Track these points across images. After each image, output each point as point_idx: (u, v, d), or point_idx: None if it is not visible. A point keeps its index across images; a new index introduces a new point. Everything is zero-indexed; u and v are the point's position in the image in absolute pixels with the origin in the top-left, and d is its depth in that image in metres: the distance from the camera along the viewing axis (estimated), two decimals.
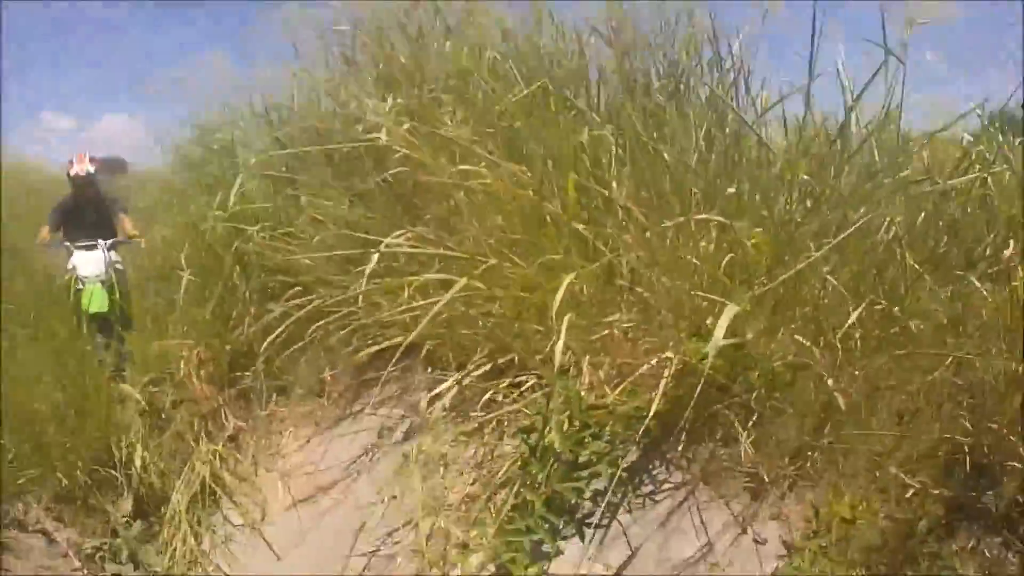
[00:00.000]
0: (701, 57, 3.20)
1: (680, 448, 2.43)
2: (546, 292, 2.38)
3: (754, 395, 2.36)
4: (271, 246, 3.47)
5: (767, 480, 2.34)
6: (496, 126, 3.01)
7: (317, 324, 3.02)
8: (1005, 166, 2.70)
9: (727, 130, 2.95)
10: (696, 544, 2.28)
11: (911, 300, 2.45)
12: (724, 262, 2.40)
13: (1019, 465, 2.19)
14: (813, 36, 2.41)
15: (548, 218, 2.60)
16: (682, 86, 3.18)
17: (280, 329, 2.92)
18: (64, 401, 3.44)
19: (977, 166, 2.67)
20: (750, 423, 2.36)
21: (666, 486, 2.41)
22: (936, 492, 2.23)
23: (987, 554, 2.25)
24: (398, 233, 2.56)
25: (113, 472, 3.36)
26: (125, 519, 3.28)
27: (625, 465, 2.37)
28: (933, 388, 2.34)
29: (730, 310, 2.03)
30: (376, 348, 2.96)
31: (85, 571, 3.11)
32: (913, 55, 2.52)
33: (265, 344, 2.96)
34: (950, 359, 2.34)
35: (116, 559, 3.15)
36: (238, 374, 3.73)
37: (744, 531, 2.30)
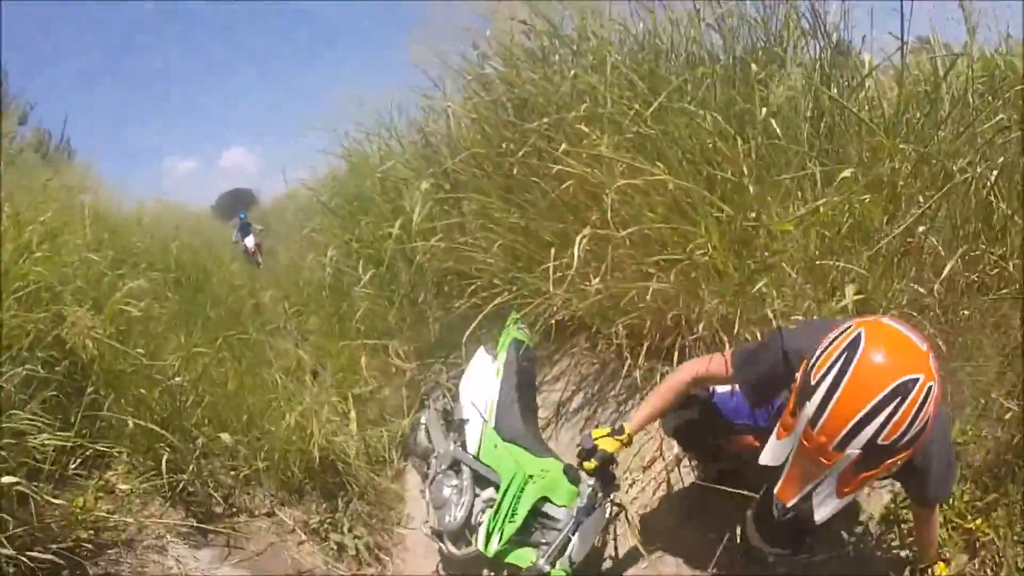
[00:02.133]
0: (802, 28, 3.75)
1: None
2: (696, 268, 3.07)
3: None
4: (447, 253, 4.26)
5: None
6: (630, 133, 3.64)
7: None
8: None
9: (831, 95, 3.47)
10: None
11: (1009, 243, 2.95)
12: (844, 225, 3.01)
13: None
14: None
15: (688, 206, 3.27)
16: (785, 60, 3.71)
17: (477, 321, 3.68)
18: (277, 403, 4.03)
19: None
20: None
21: None
22: None
23: None
24: (586, 231, 3.28)
25: (327, 459, 3.90)
26: (346, 498, 3.90)
27: None
28: None
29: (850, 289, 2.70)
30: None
31: (310, 542, 3.66)
32: None
33: (467, 333, 3.69)
34: None
35: (338, 530, 3.73)
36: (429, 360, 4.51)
37: None
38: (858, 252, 2.99)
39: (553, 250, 3.43)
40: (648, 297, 3.21)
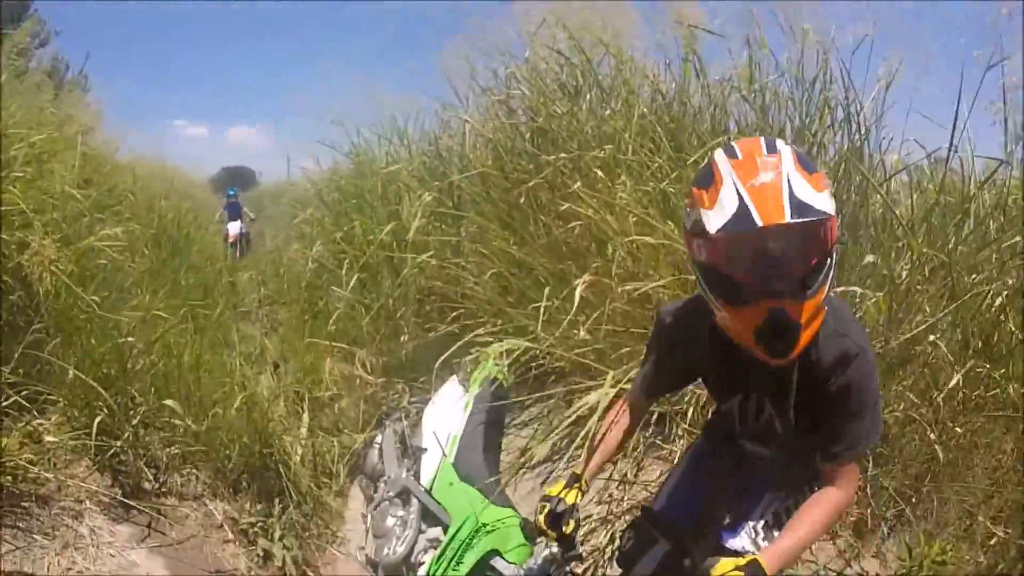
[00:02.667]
0: (834, 118, 3.72)
1: None
2: None
3: None
4: (436, 272, 4.16)
5: (870, 522, 2.83)
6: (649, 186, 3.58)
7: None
8: None
9: (854, 188, 3.49)
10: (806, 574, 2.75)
11: (1012, 366, 2.89)
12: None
13: None
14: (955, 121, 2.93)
15: None
16: (814, 147, 3.70)
17: (453, 349, 3.49)
18: (231, 388, 3.88)
19: None
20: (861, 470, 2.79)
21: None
22: (1019, 543, 2.63)
23: None
24: (586, 277, 3.15)
25: (271, 457, 3.76)
26: (282, 504, 3.70)
27: None
28: None
29: None
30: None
31: (236, 543, 3.50)
32: None
33: (441, 359, 3.49)
34: None
35: (268, 536, 3.55)
36: (395, 379, 4.36)
37: (848, 565, 2.77)
38: None
39: (547, 290, 3.31)
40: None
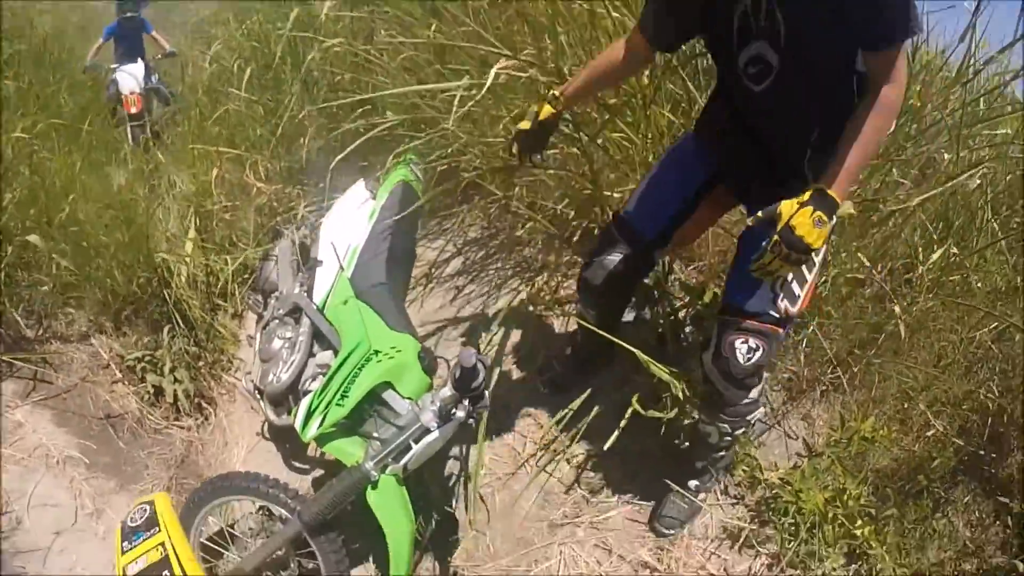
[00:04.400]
0: None
1: None
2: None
3: None
4: (344, 62, 3.66)
5: (804, 384, 2.75)
6: None
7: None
8: None
9: None
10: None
11: (980, 256, 2.82)
12: None
13: None
14: None
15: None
16: None
17: (350, 148, 2.95)
18: (108, 207, 3.59)
19: None
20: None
21: None
22: (955, 441, 2.61)
23: (977, 513, 2.61)
24: (505, 60, 2.67)
25: (156, 282, 3.47)
26: (171, 333, 3.41)
27: None
28: (973, 344, 2.74)
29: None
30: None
31: (124, 382, 3.30)
32: None
33: (335, 161, 3.00)
34: (996, 324, 2.72)
35: (157, 370, 3.32)
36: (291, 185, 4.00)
37: (777, 423, 2.74)
38: None
39: (465, 79, 2.85)
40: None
